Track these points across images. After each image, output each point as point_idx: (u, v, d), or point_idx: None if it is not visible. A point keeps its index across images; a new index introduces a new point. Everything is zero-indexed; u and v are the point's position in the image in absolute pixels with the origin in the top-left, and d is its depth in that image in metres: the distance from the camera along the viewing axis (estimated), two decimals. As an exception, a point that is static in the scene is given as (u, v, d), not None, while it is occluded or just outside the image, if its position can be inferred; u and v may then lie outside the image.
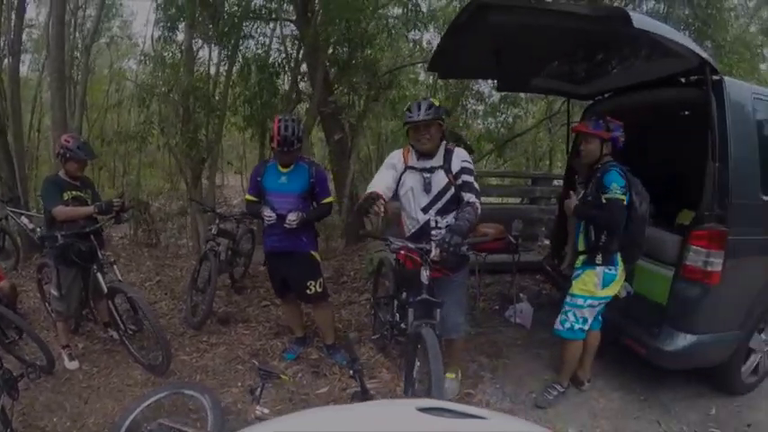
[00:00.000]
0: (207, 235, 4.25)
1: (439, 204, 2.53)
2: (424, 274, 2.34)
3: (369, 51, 5.35)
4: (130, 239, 5.42)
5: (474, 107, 12.87)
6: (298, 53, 6.10)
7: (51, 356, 3.06)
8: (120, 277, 3.29)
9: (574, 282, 2.69)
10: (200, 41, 5.35)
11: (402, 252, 2.51)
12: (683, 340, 2.59)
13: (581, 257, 2.70)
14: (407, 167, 2.57)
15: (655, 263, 2.92)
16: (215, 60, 5.63)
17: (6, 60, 5.73)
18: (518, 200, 8.21)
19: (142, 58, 7.07)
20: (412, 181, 2.55)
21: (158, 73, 5.45)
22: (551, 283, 4.49)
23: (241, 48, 5.61)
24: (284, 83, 6.11)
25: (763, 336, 2.89)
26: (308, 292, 3.11)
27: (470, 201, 2.44)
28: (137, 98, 5.57)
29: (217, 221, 4.23)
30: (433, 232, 2.53)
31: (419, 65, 9.15)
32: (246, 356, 3.40)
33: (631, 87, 3.40)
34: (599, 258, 2.59)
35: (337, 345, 3.38)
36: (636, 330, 2.79)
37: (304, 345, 3.47)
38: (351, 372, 2.29)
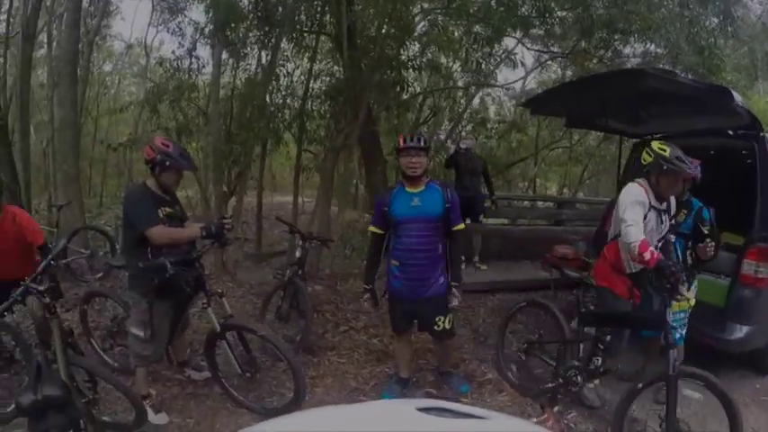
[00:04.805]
0: (290, 260, 3.99)
1: None
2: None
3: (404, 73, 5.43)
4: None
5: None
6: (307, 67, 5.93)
7: (143, 408, 2.49)
8: (230, 311, 2.85)
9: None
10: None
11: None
12: (742, 331, 3.39)
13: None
14: None
15: (712, 275, 3.58)
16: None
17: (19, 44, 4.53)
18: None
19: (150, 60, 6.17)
20: None
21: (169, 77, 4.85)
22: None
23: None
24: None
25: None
26: (435, 328, 2.92)
27: None
28: (148, 102, 4.82)
29: (300, 243, 3.92)
30: None
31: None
32: (365, 387, 3.20)
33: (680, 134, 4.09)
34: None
35: (452, 372, 3.25)
36: (704, 327, 3.40)
37: (405, 387, 3.12)
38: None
